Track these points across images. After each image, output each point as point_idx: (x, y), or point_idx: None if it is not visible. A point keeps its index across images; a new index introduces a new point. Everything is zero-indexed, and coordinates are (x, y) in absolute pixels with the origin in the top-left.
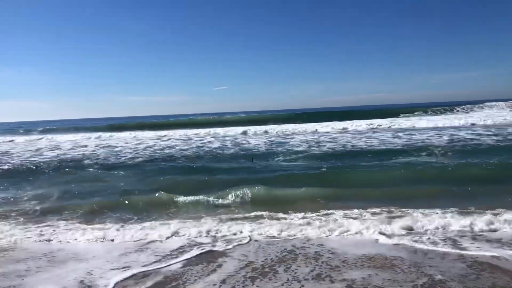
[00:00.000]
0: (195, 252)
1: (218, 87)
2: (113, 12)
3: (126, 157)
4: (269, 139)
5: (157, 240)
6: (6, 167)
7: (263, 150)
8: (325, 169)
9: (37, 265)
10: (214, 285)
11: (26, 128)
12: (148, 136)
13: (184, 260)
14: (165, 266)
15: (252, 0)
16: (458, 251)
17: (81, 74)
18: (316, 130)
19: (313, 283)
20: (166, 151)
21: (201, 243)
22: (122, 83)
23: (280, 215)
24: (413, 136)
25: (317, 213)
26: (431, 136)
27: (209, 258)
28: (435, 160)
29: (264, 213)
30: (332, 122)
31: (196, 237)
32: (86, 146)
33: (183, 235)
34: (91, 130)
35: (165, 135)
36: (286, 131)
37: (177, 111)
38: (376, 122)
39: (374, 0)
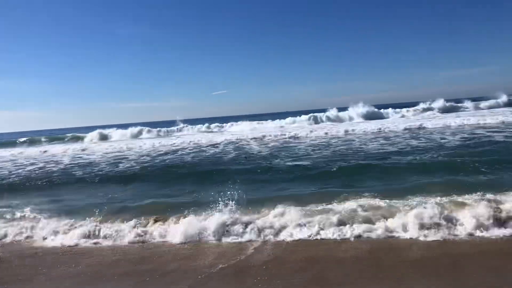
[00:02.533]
0: None
1: (217, 91)
2: (108, 17)
3: None
4: None
5: None
6: None
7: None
8: None
9: None
10: None
11: None
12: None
13: None
14: None
15: (250, 0)
16: None
17: (73, 82)
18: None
19: None
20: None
21: None
22: (119, 90)
23: None
24: None
25: None
26: None
27: None
28: None
29: None
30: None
31: None
32: None
33: None
34: None
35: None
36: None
37: (175, 117)
38: None
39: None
